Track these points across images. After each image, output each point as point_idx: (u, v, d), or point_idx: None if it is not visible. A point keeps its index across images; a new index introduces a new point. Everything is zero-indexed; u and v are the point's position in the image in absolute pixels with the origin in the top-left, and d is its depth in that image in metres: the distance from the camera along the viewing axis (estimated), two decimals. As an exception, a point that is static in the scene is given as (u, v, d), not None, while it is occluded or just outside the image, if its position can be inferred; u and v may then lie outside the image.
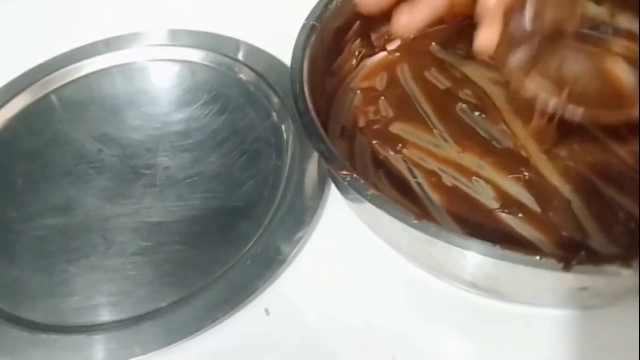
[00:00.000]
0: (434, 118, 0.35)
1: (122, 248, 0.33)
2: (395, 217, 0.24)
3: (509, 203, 0.30)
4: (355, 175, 0.26)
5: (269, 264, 0.31)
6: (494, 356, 0.28)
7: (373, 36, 0.39)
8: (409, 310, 0.30)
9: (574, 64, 0.30)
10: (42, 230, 0.34)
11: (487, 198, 0.30)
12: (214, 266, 0.31)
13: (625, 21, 0.35)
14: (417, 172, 0.32)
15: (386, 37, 0.39)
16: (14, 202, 0.36)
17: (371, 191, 0.25)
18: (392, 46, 0.39)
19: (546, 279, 0.23)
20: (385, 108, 0.36)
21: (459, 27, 0.39)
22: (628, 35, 0.35)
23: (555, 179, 0.31)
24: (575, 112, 0.29)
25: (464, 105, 0.35)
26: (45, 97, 0.42)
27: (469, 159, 0.32)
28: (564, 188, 0.30)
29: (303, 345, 0.29)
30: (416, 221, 0.24)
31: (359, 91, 0.37)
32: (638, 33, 0.34)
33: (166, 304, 0.30)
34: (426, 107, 0.36)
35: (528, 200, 0.30)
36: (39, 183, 0.37)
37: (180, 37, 0.45)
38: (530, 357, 0.28)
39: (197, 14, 0.48)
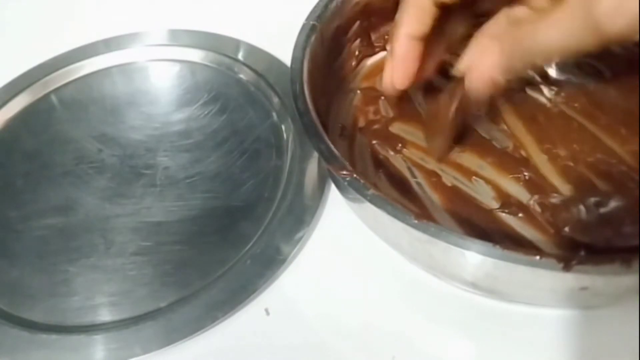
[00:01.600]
0: (434, 118, 0.35)
1: (122, 248, 0.33)
2: (395, 217, 0.24)
3: (509, 203, 0.30)
4: (355, 175, 0.26)
5: (269, 264, 0.31)
6: (494, 356, 0.28)
7: (373, 36, 0.39)
8: (409, 310, 0.30)
9: None
10: (42, 230, 0.34)
11: (487, 198, 0.30)
12: (214, 266, 0.31)
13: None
14: (417, 172, 0.32)
15: (386, 37, 0.39)
16: (14, 202, 0.36)
17: (371, 191, 0.25)
18: (392, 46, 0.39)
19: (546, 279, 0.23)
20: (385, 108, 0.36)
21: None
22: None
23: (555, 179, 0.31)
24: None
25: (463, 105, 0.35)
26: (45, 97, 0.42)
27: (469, 159, 0.32)
28: (564, 188, 0.30)
29: (303, 345, 0.29)
30: (416, 221, 0.24)
31: (359, 91, 0.37)
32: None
33: (166, 304, 0.30)
34: (426, 107, 0.35)
35: (528, 200, 0.30)
36: (39, 183, 0.37)
37: (180, 37, 0.45)
38: (530, 357, 0.28)
39: (197, 14, 0.48)
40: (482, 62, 0.26)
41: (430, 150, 0.32)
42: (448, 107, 0.30)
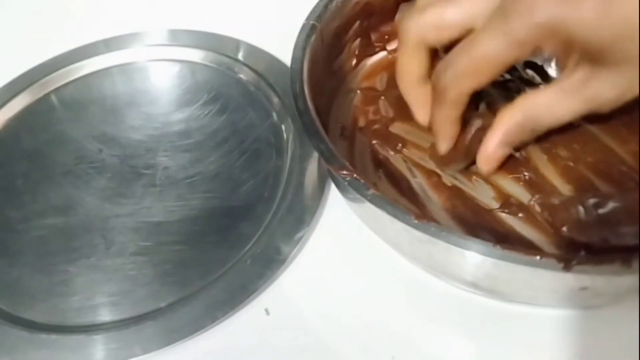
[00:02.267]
0: (434, 118, 0.35)
1: (122, 248, 0.33)
2: (395, 217, 0.24)
3: (509, 203, 0.30)
4: (355, 175, 0.26)
5: (269, 264, 0.31)
6: (494, 356, 0.28)
7: (373, 36, 0.39)
8: (409, 310, 0.30)
9: None
10: (42, 230, 0.34)
11: (487, 198, 0.30)
12: (214, 266, 0.31)
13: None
14: (417, 172, 0.32)
15: (386, 37, 0.39)
16: (14, 202, 0.36)
17: (371, 191, 0.25)
18: (392, 46, 0.39)
19: (546, 279, 0.23)
20: (385, 108, 0.36)
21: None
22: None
23: (555, 179, 0.31)
24: None
25: (463, 105, 0.35)
26: (45, 97, 0.42)
27: (469, 159, 0.32)
28: (564, 188, 0.30)
29: (303, 345, 0.29)
30: (416, 221, 0.24)
31: (359, 91, 0.37)
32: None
33: (166, 304, 0.30)
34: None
35: (528, 200, 0.30)
36: (39, 183, 0.37)
37: (180, 37, 0.45)
38: (530, 357, 0.28)
39: (197, 14, 0.48)
40: (485, 145, 0.29)
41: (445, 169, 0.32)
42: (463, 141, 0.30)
